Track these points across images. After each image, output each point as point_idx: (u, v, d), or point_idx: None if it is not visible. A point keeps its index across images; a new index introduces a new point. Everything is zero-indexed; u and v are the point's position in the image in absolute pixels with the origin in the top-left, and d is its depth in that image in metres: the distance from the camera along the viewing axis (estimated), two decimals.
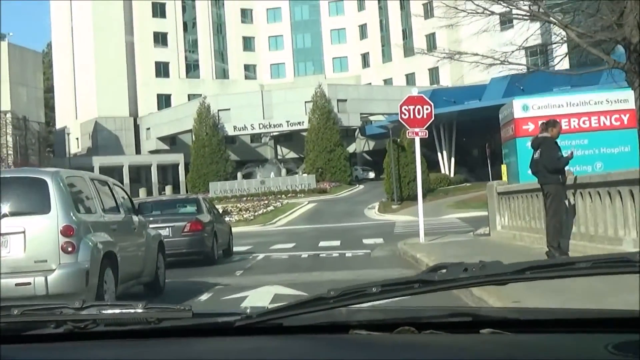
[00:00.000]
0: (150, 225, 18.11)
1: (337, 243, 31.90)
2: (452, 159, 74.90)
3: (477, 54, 35.37)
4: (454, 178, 72.04)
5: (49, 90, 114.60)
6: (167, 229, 22.17)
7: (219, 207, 61.84)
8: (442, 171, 73.16)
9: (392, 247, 27.03)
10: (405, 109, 26.10)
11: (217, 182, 79.62)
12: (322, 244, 31.94)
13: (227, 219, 50.76)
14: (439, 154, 74.08)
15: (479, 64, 33.58)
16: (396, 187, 57.82)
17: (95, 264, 12.12)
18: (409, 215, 51.58)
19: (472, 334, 2.33)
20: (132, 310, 2.51)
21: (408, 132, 26.33)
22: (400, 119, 26.47)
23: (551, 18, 28.18)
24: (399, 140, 59.86)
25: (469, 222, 41.65)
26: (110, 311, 2.54)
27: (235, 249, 30.48)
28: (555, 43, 38.57)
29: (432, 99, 66.43)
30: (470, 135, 76.94)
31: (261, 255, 26.83)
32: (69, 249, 11.77)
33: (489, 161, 50.82)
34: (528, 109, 25.62)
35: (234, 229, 47.93)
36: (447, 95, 75.41)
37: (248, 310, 2.53)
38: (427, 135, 26.85)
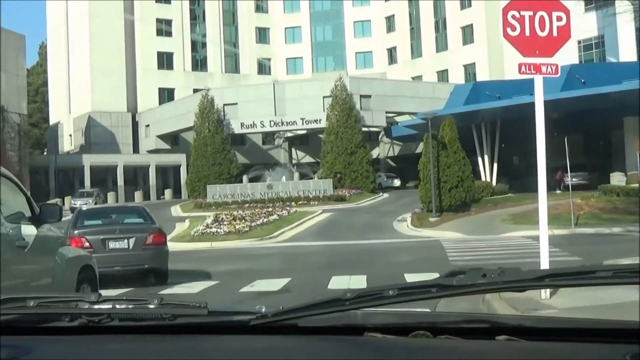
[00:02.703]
0: (105, 236, 18.83)
1: (361, 281, 18.04)
2: (495, 165, 59.98)
3: None
4: (496, 187, 57.28)
5: (45, 84, 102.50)
6: (126, 240, 19.20)
7: (212, 215, 48.70)
8: (483, 178, 58.32)
9: (475, 303, 12.78)
10: (513, 17, 11.97)
11: (216, 185, 65.16)
12: (334, 282, 17.96)
13: (214, 230, 37.54)
14: (479, 159, 59.33)
15: None
16: (435, 195, 43.46)
17: None
18: (455, 230, 38.27)
19: (487, 340, 2.25)
20: (148, 306, 2.47)
21: (521, 66, 11.99)
22: (504, 36, 12.15)
23: None
24: (439, 135, 45.55)
25: (550, 241, 28.39)
26: (125, 306, 2.51)
27: (191, 284, 19.32)
28: None
29: (473, 93, 52.77)
30: (514, 138, 62.54)
31: None
32: None
33: (568, 160, 36.58)
34: None
35: (221, 244, 35.51)
36: (491, 89, 61.16)
37: (263, 310, 2.43)
38: (558, 73, 12.50)
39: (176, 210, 61.14)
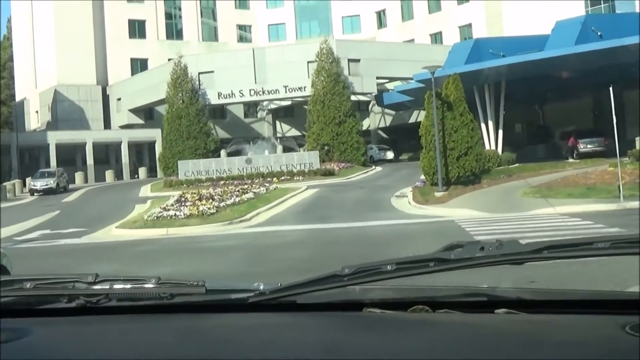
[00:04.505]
0: None
1: None
2: (500, 132, 51.78)
3: None
4: (502, 156, 49.20)
5: (12, 58, 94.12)
6: None
7: (175, 193, 40.82)
8: (487, 147, 50.06)
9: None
10: None
11: (188, 160, 57.03)
12: None
13: (171, 213, 29.48)
14: (483, 124, 50.90)
15: None
16: (441, 164, 35.53)
17: None
18: (469, 207, 30.56)
19: (487, 314, 2.25)
20: (145, 285, 2.45)
21: None
22: None
23: None
24: (442, 94, 37.61)
25: (601, 219, 22.37)
26: (122, 286, 2.48)
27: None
28: None
29: (475, 51, 44.00)
30: (516, 103, 54.76)
31: None
32: None
33: (614, 113, 28.65)
34: None
35: (179, 230, 27.78)
36: (495, 47, 52.92)
37: (261, 287, 2.40)
38: None
39: (146, 190, 53.20)
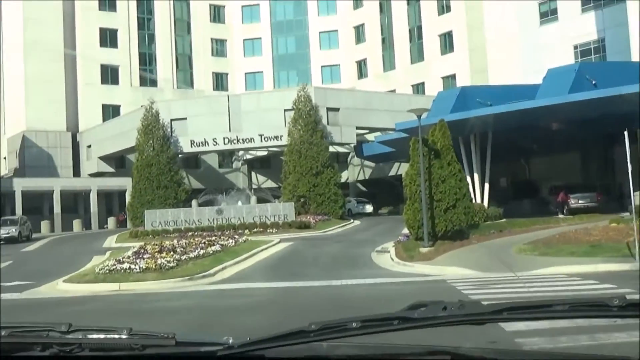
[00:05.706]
0: None
1: None
2: (486, 185, 48.33)
3: None
4: (489, 211, 45.70)
5: None
6: None
7: (136, 244, 37.05)
8: (473, 200, 46.45)
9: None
10: None
11: (155, 210, 53.25)
12: None
13: (126, 266, 25.59)
14: (468, 177, 47.29)
15: None
16: (427, 217, 31.97)
17: None
18: (459, 265, 27.09)
19: None
20: (117, 336, 2.46)
21: None
22: None
23: None
24: (429, 140, 34.24)
25: (623, 283, 18.56)
26: (95, 336, 2.49)
27: None
28: None
29: (460, 100, 40.26)
30: (502, 155, 51.35)
31: None
32: None
33: (629, 161, 25.26)
34: None
35: (133, 286, 24.12)
36: (482, 96, 49.73)
37: (230, 341, 2.41)
38: None
39: (111, 241, 49.35)
